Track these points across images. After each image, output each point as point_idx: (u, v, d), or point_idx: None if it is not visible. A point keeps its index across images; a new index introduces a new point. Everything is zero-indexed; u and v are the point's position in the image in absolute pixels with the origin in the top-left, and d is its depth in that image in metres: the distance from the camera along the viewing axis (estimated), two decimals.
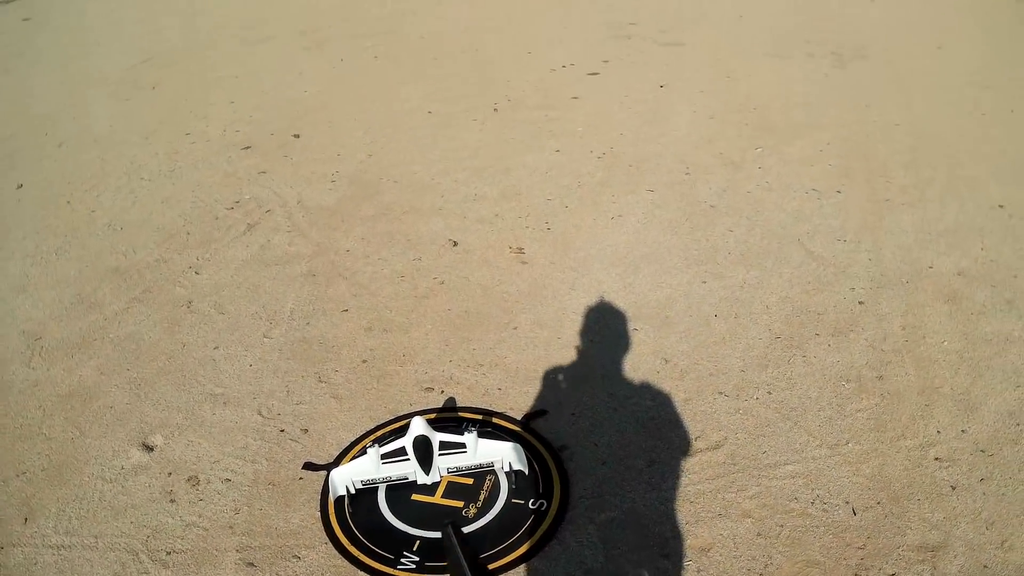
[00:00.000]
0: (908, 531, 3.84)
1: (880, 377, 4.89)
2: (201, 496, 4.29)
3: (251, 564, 3.87)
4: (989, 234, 6.39)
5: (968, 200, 6.91)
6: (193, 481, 4.39)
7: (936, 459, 4.26)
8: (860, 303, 5.62)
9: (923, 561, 3.68)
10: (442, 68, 11.58)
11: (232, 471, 4.44)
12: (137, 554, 3.96)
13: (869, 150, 8.01)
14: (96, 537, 4.08)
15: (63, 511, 4.27)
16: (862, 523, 3.89)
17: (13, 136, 9.89)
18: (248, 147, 9.04)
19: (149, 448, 4.65)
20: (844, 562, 3.70)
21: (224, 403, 5.00)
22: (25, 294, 6.38)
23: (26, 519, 4.23)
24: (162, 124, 9.98)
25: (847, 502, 4.02)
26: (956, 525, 3.87)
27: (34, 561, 3.97)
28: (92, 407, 5.07)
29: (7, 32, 15.95)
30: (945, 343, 5.17)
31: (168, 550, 3.98)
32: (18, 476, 4.54)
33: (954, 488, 4.07)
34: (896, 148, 8.02)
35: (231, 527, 4.08)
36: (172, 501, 4.26)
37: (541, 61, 11.56)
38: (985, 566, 3.65)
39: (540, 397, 4.88)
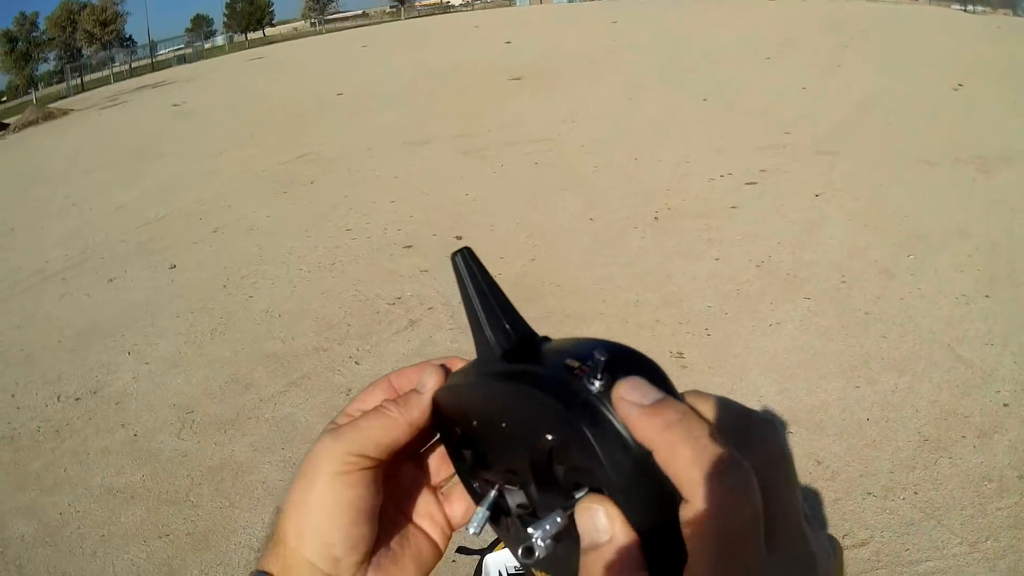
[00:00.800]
0: None
1: (1021, 476, 5.08)
2: None
3: None
4: None
5: None
6: None
7: None
8: (1005, 405, 5.80)
9: None
10: (602, 176, 11.91)
11: None
12: None
13: (1016, 254, 8.13)
14: None
15: (206, 574, 4.62)
16: None
17: (165, 217, 10.46)
18: (410, 246, 9.41)
19: None
20: None
21: None
22: (178, 369, 6.76)
23: None
24: (322, 219, 10.41)
25: None
26: None
27: None
28: (243, 481, 5.43)
29: (157, 116, 16.51)
30: None
31: None
32: (160, 538, 4.89)
33: None
34: None
35: None
36: None
37: (700, 169, 11.86)
38: None
39: None
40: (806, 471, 5.32)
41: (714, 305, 7.64)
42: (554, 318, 7.54)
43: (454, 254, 0.75)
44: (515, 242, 9.45)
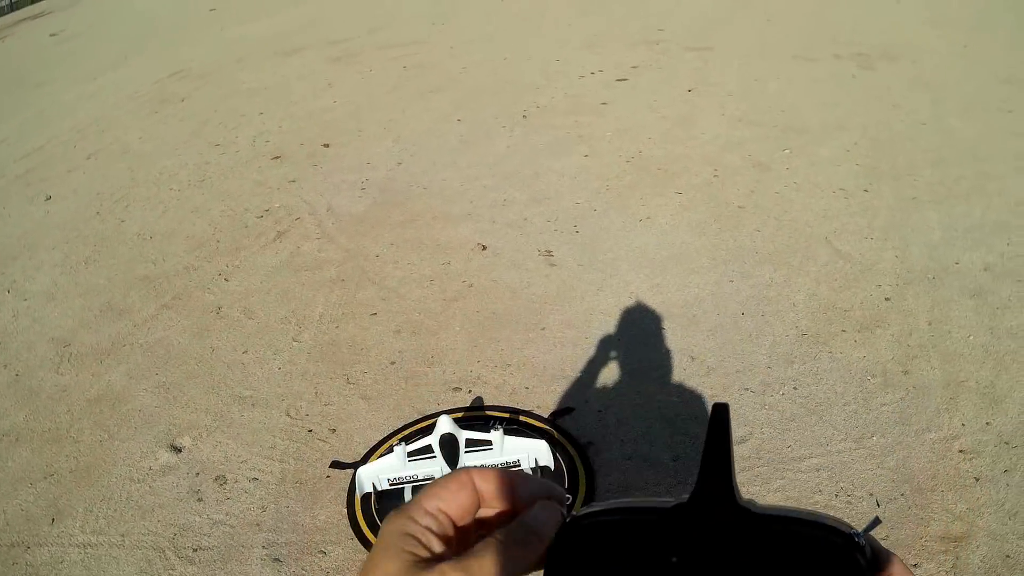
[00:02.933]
0: (931, 522, 3.87)
1: (906, 372, 4.90)
2: (228, 495, 4.38)
3: (277, 559, 3.95)
4: (1015, 230, 6.37)
5: (995, 196, 6.89)
6: (220, 480, 4.47)
7: (960, 451, 4.28)
8: (887, 299, 5.63)
9: (946, 551, 3.71)
10: (470, 77, 11.64)
11: (259, 470, 4.53)
12: (163, 551, 4.05)
13: (896, 149, 8.00)
14: (123, 536, 4.17)
15: (90, 511, 4.36)
16: (885, 514, 3.92)
17: (42, 148, 9.99)
18: (278, 157, 9.13)
19: (177, 449, 4.74)
20: None
21: (252, 405, 5.08)
22: (55, 302, 6.49)
23: (53, 519, 4.32)
24: (193, 136, 10.10)
25: (871, 494, 4.05)
26: (979, 516, 3.89)
27: (61, 560, 4.06)
28: (121, 411, 5.17)
29: (36, 47, 16.14)
30: (971, 337, 5.18)
31: (195, 547, 4.06)
32: (46, 478, 4.63)
33: (978, 480, 4.10)
34: (923, 147, 8.00)
35: (258, 524, 4.17)
36: (199, 500, 4.36)
37: (570, 68, 11.59)
38: (1008, 556, 3.68)
39: (567, 395, 4.94)
40: (681, 367, 5.11)
41: (583, 202, 7.43)
42: (421, 220, 7.37)
43: (718, 406, 0.75)
44: (381, 146, 9.22)
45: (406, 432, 4.72)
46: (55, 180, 9.01)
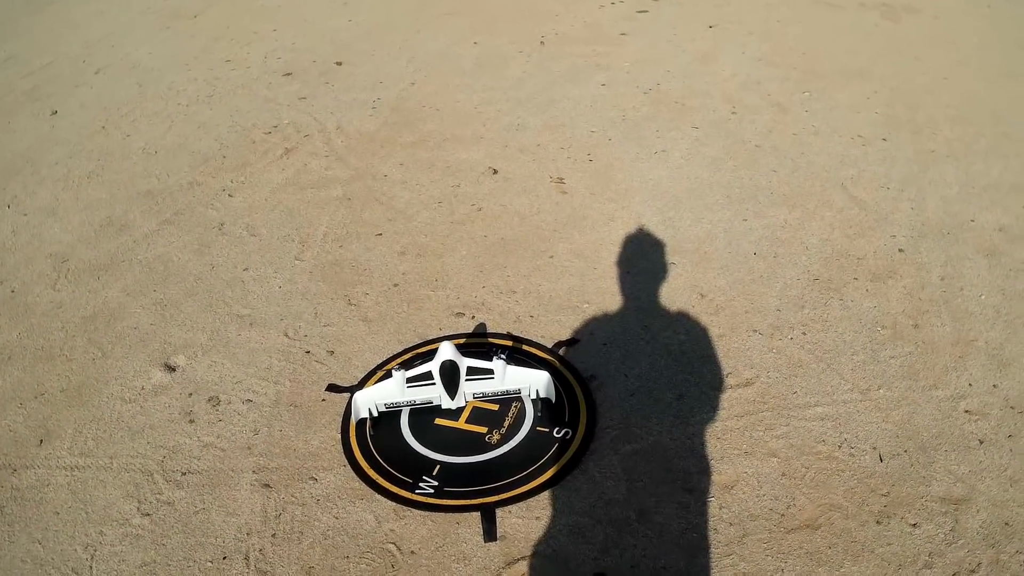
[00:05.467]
0: (933, 482, 3.82)
1: (916, 326, 4.84)
2: (220, 417, 4.32)
3: (267, 485, 3.89)
4: None
5: (1013, 158, 6.79)
6: (214, 402, 4.42)
7: (966, 411, 4.23)
8: (900, 251, 5.55)
9: (945, 513, 3.66)
10: (489, 1, 11.43)
11: (254, 392, 4.47)
12: (151, 475, 3.99)
13: (916, 102, 7.87)
14: (111, 458, 4.11)
15: (79, 432, 4.30)
16: (888, 470, 3.88)
17: (51, 64, 9.85)
18: (289, 73, 9.00)
19: (171, 368, 4.68)
20: (867, 508, 3.69)
21: (250, 324, 5.02)
22: (55, 218, 6.38)
23: (41, 441, 4.26)
24: (203, 52, 9.96)
25: (874, 448, 4.00)
26: (981, 480, 3.84)
27: (47, 483, 4.00)
28: (116, 328, 5.09)
29: None
30: (983, 297, 5.12)
31: (184, 471, 4.01)
32: (36, 398, 4.57)
33: (982, 442, 4.05)
34: (944, 102, 7.88)
35: (249, 448, 4.11)
36: (191, 422, 4.30)
37: None
38: (1007, 523, 3.63)
39: (572, 326, 4.87)
40: (689, 304, 5.05)
41: (598, 131, 7.33)
42: (432, 141, 7.26)
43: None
44: (395, 66, 9.08)
45: (406, 356, 4.66)
46: (62, 95, 8.86)
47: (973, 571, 3.43)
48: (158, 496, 3.87)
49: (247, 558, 3.56)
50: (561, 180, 6.50)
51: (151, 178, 6.84)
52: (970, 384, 4.42)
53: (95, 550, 3.65)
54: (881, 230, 5.79)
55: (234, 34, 10.51)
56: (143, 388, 4.54)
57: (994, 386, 4.40)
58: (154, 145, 7.43)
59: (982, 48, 9.40)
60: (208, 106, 8.24)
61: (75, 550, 3.66)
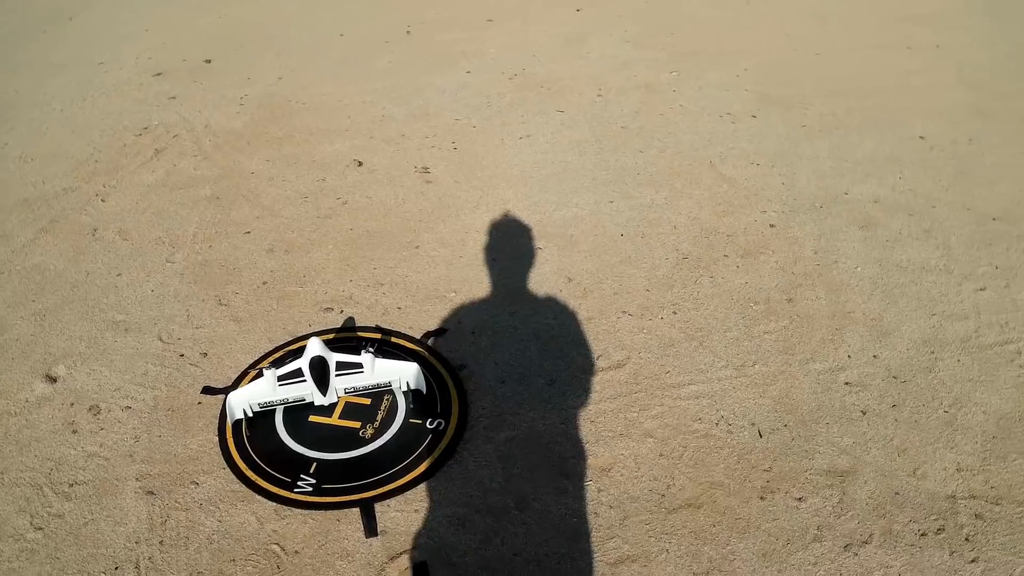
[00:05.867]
0: (816, 455, 3.75)
1: (790, 300, 4.78)
2: (102, 425, 4.17)
3: (151, 492, 3.77)
4: (908, 164, 6.30)
5: (888, 131, 6.82)
6: (95, 410, 4.26)
7: (846, 383, 4.17)
8: (772, 226, 5.51)
9: (831, 486, 3.59)
10: None
11: (132, 398, 4.32)
12: (41, 488, 3.84)
13: (788, 78, 7.92)
14: (2, 473, 3.95)
15: None
16: (768, 445, 3.79)
17: None
18: (159, 73, 8.86)
19: (53, 379, 4.51)
20: (749, 484, 3.60)
21: (126, 330, 4.85)
22: None
23: None
24: (78, 53, 9.75)
25: (753, 424, 3.92)
26: (867, 451, 3.78)
27: None
28: None
29: None
30: (858, 268, 5.08)
31: (71, 482, 3.86)
32: None
33: (864, 413, 3.99)
34: (816, 77, 7.93)
35: (131, 455, 3.98)
36: (74, 432, 4.14)
37: None
38: (896, 493, 3.57)
39: (440, 316, 4.77)
40: (557, 288, 4.95)
41: (463, 119, 7.28)
42: (298, 136, 7.18)
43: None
44: (263, 61, 9.05)
45: (277, 355, 4.56)
46: None
47: (866, 542, 3.37)
48: (48, 509, 3.72)
49: (138, 567, 3.45)
50: (426, 169, 6.40)
51: (28, 186, 6.66)
52: (849, 356, 4.36)
53: None
54: (751, 206, 5.74)
55: (107, 35, 10.37)
56: (27, 400, 4.37)
57: (874, 356, 4.35)
58: (31, 153, 7.25)
59: (858, 22, 9.50)
60: (82, 110, 8.07)
61: None
